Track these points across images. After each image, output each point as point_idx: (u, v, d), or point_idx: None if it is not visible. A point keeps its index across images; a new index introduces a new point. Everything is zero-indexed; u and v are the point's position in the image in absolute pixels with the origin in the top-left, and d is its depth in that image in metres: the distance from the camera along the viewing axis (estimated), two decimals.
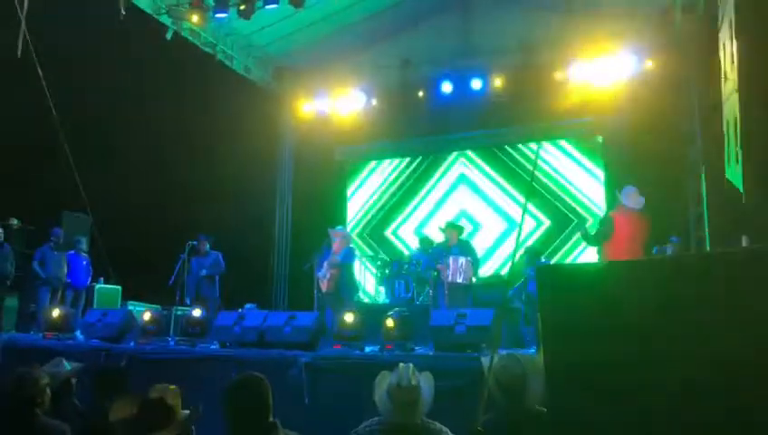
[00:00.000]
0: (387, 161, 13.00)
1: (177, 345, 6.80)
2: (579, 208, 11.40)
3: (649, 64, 10.04)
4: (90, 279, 10.09)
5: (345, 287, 8.40)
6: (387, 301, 10.48)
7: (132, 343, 6.89)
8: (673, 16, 9.41)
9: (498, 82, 11.16)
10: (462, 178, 12.39)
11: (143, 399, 3.28)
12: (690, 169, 9.52)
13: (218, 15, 9.53)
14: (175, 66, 10.07)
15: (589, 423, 2.17)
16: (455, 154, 12.44)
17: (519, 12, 10.59)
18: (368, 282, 11.94)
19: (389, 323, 5.99)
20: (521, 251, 8.76)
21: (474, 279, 8.50)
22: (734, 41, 4.86)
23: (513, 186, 11.91)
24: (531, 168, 11.56)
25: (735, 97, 4.87)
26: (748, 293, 2.04)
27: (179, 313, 8.50)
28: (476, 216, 12.07)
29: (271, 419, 2.77)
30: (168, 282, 9.29)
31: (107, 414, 3.37)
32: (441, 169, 12.56)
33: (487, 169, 12.17)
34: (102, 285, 10.26)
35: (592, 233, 7.26)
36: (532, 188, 10.77)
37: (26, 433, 3.43)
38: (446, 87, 11.54)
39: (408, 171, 12.81)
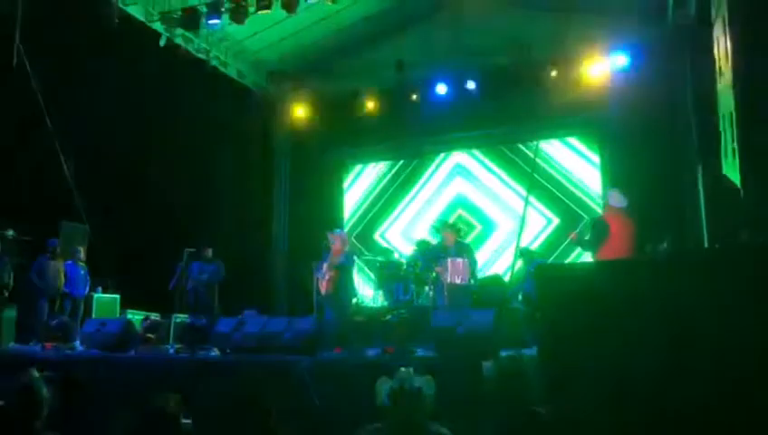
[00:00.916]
0: (382, 163, 12.94)
1: (177, 353, 6.79)
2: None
3: (644, 60, 10.04)
4: (88, 288, 10.07)
5: (344, 289, 8.39)
6: (386, 303, 10.45)
7: (132, 352, 6.87)
8: (667, 12, 9.41)
9: (491, 81, 11.13)
10: (458, 169, 12.26)
11: (145, 408, 3.27)
12: (686, 164, 9.50)
13: (211, 22, 9.51)
14: (168, 72, 10.03)
15: (588, 423, 2.17)
16: (452, 152, 12.39)
17: (512, 11, 10.56)
18: (365, 285, 11.88)
19: (389, 325, 5.98)
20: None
21: (472, 280, 8.50)
22: (728, 36, 4.87)
23: (513, 178, 11.77)
24: (532, 155, 11.29)
25: (730, 92, 4.88)
26: (747, 289, 2.04)
27: (178, 320, 8.49)
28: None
29: None
30: (167, 286, 9.27)
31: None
32: (433, 165, 12.47)
33: (486, 160, 12.08)
34: (101, 295, 10.24)
35: (586, 238, 7.23)
36: (534, 180, 10.67)
37: None
38: (441, 88, 11.52)
39: (402, 173, 12.73)
